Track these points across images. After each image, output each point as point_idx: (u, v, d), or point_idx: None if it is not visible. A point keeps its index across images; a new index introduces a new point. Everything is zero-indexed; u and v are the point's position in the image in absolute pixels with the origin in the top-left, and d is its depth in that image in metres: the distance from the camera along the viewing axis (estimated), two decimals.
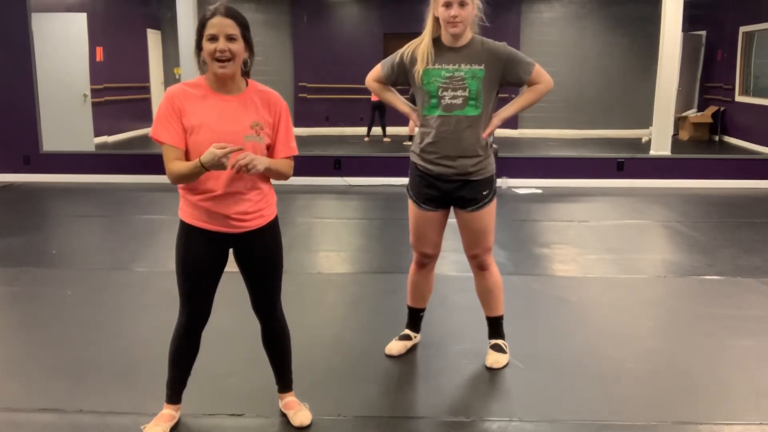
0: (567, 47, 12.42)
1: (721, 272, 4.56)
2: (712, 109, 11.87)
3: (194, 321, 2.43)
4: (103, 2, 11.20)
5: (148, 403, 2.65)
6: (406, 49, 2.97)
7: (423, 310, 3.36)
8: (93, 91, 9.13)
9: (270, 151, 2.36)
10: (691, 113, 12.21)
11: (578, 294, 4.19)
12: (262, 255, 2.43)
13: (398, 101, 3.22)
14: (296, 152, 2.41)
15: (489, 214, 3.00)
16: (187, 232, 2.33)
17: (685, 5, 7.87)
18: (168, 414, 2.53)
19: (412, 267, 3.27)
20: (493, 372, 3.07)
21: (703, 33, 12.37)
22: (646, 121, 9.38)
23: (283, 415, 2.64)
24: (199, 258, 2.34)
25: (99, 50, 10.36)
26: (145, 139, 10.25)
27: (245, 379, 3.01)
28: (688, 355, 3.28)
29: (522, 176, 7.81)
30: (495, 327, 3.21)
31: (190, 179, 2.20)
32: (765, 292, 4.18)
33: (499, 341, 3.19)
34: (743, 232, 5.71)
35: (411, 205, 3.15)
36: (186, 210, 2.33)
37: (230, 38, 2.20)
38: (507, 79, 2.92)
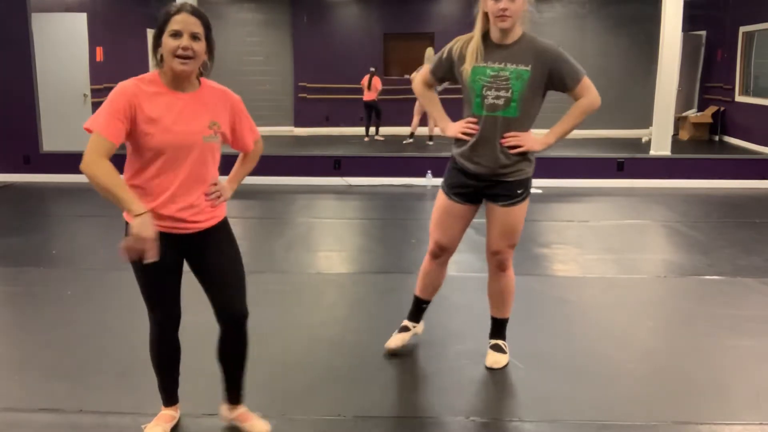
0: (567, 47, 12.36)
1: (721, 272, 4.56)
2: (712, 109, 11.87)
3: (166, 325, 2.38)
4: (103, 2, 11.19)
5: (148, 403, 2.65)
6: (455, 44, 2.87)
7: (428, 302, 3.32)
8: (93, 91, 9.13)
9: (238, 144, 2.37)
10: (691, 113, 12.20)
11: (578, 294, 4.19)
12: (220, 250, 2.35)
13: (434, 108, 3.11)
14: (258, 133, 2.42)
15: (520, 212, 2.94)
16: None
17: (685, 5, 7.87)
18: (168, 415, 2.53)
19: (426, 257, 3.22)
20: (493, 372, 3.07)
21: (703, 33, 12.36)
22: (646, 121, 9.38)
23: (282, 415, 2.64)
24: (158, 261, 2.16)
25: (99, 50, 10.35)
26: None
27: (245, 379, 3.00)
28: (688, 355, 3.28)
29: None
30: (498, 328, 3.20)
31: (107, 198, 2.07)
32: (765, 292, 4.18)
33: (500, 342, 3.19)
34: (743, 232, 5.71)
35: (440, 194, 3.07)
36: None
37: (194, 36, 2.13)
38: (553, 84, 2.79)
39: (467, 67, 2.78)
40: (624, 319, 3.73)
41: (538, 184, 7.69)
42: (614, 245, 5.34)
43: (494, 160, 2.84)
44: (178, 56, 2.10)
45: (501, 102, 2.77)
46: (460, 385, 2.96)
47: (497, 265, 3.07)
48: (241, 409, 2.57)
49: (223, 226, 2.37)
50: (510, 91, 2.75)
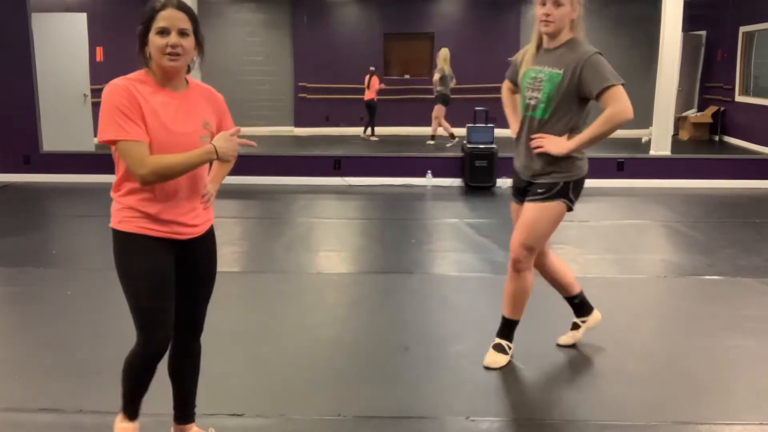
0: None
1: (721, 272, 4.56)
2: (712, 109, 11.87)
3: (161, 347, 2.17)
4: (103, 2, 11.20)
5: (148, 402, 2.64)
6: (522, 49, 3.04)
7: (572, 296, 3.31)
8: (93, 91, 9.13)
9: None
10: (691, 113, 12.20)
11: None
12: (206, 262, 2.27)
13: (510, 113, 3.23)
14: None
15: (538, 211, 2.94)
16: (140, 243, 2.09)
17: (685, 5, 7.87)
18: (135, 427, 2.33)
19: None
20: (492, 372, 3.07)
21: (703, 33, 12.36)
22: (646, 121, 9.37)
23: (282, 415, 2.64)
24: (161, 270, 2.12)
25: (99, 50, 10.36)
26: None
27: (245, 379, 3.01)
28: (688, 355, 3.28)
29: None
30: (505, 327, 3.17)
31: (184, 172, 2.03)
32: (765, 292, 4.18)
33: (503, 342, 3.17)
34: (743, 232, 5.71)
35: None
36: (132, 220, 2.09)
37: (182, 33, 2.04)
38: (581, 89, 2.80)
39: (522, 70, 2.97)
40: (624, 319, 3.73)
41: None
42: (614, 245, 5.35)
43: (526, 159, 2.96)
44: (167, 54, 2.02)
45: (533, 102, 2.90)
46: (460, 385, 2.96)
47: (511, 263, 3.05)
48: (195, 429, 2.42)
49: (212, 232, 2.29)
50: (541, 92, 2.85)
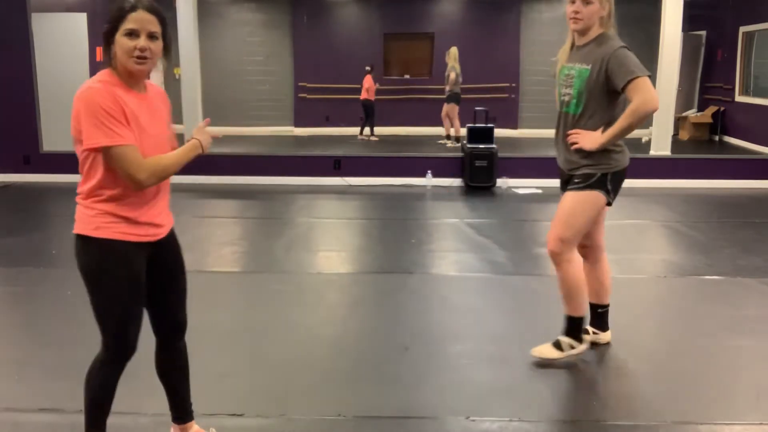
0: None
1: (721, 272, 4.56)
2: (712, 109, 11.87)
3: (131, 353, 2.16)
4: (103, 2, 11.19)
5: (148, 403, 2.65)
6: (561, 48, 3.09)
7: (600, 306, 3.27)
8: None
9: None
10: (691, 113, 12.20)
11: None
12: (175, 259, 2.25)
13: None
14: None
15: (573, 200, 2.97)
16: (121, 250, 2.04)
17: (685, 5, 7.87)
18: None
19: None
20: (492, 372, 3.07)
21: (703, 33, 12.36)
22: (646, 122, 9.38)
23: (282, 415, 2.64)
24: (139, 274, 2.09)
25: (99, 50, 10.35)
26: None
27: (245, 379, 3.01)
28: (689, 355, 3.28)
29: (522, 176, 7.80)
30: (566, 324, 3.13)
31: (176, 171, 2.03)
32: (765, 292, 4.18)
33: (562, 338, 3.11)
34: (743, 232, 5.71)
35: None
36: (111, 226, 2.03)
37: (152, 36, 1.98)
38: (609, 83, 2.84)
39: (557, 68, 3.04)
40: (624, 319, 3.73)
41: (538, 184, 7.74)
42: (614, 245, 5.33)
43: (564, 154, 3.03)
44: (136, 57, 1.97)
45: (566, 99, 2.97)
46: (460, 385, 2.96)
47: (550, 257, 3.07)
48: (195, 427, 2.40)
49: (173, 231, 2.26)
50: (572, 87, 2.92)
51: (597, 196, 2.96)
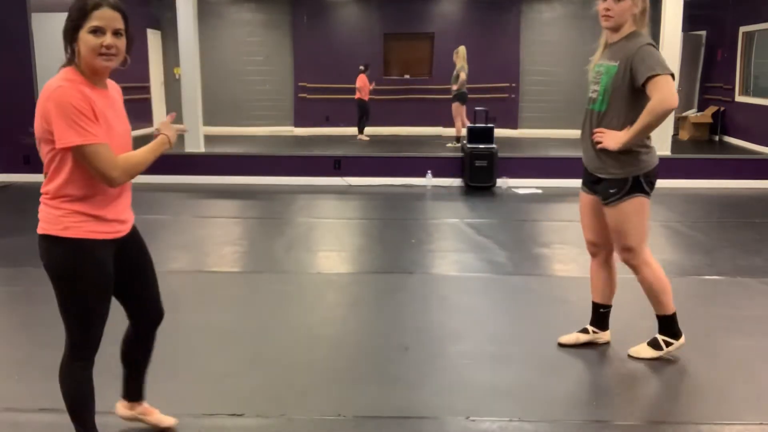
0: (567, 47, 12.40)
1: (721, 272, 4.56)
2: (712, 109, 11.87)
3: (97, 348, 2.21)
4: None
5: (148, 403, 2.65)
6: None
7: (603, 306, 3.28)
8: None
9: None
10: (691, 113, 12.21)
11: (578, 294, 4.17)
12: (141, 251, 2.28)
13: None
14: None
15: (620, 213, 2.94)
16: (90, 248, 2.05)
17: (685, 5, 7.87)
18: None
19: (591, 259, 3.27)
20: (492, 372, 3.07)
21: (703, 33, 12.36)
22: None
23: (282, 415, 2.64)
24: (108, 272, 2.11)
25: None
26: (144, 139, 10.20)
27: (245, 379, 3.01)
28: (688, 355, 3.27)
29: (522, 176, 7.81)
30: (659, 323, 3.15)
31: (146, 167, 2.07)
32: (765, 292, 4.18)
33: (658, 336, 3.14)
34: (743, 232, 5.71)
35: None
36: (81, 225, 2.04)
37: (117, 33, 2.00)
38: (633, 80, 2.82)
39: (591, 67, 3.03)
40: (624, 319, 3.73)
41: (538, 184, 7.74)
42: None
43: (590, 152, 2.99)
44: (102, 54, 1.98)
45: (594, 96, 2.96)
46: (460, 385, 2.96)
47: (626, 264, 3.07)
48: (144, 404, 2.52)
49: (135, 226, 2.27)
50: (599, 84, 2.92)
51: (639, 201, 2.94)
